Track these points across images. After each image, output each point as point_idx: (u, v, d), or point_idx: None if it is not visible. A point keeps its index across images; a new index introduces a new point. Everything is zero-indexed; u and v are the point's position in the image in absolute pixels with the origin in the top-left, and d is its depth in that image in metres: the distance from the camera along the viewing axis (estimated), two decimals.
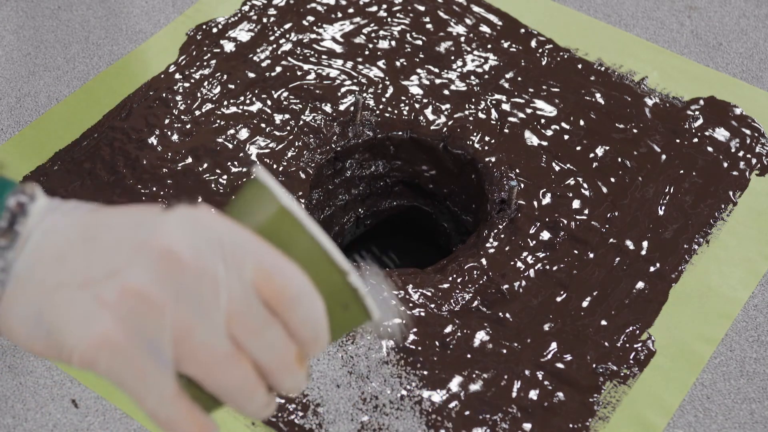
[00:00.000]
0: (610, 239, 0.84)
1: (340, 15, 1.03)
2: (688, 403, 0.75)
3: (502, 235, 0.84)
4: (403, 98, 0.95)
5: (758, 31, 1.05)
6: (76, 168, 0.88)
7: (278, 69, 0.97)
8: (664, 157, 0.91)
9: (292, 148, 0.91)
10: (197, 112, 0.93)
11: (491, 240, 0.84)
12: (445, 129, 0.93)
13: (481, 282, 0.81)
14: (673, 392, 0.75)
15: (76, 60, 0.98)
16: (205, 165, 0.89)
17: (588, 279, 0.82)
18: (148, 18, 1.03)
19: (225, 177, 0.88)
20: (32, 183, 0.43)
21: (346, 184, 0.97)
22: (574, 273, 0.82)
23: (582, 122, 0.94)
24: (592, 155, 0.91)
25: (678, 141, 0.92)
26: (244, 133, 0.91)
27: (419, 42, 1.01)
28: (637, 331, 0.78)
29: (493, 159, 0.90)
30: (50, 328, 0.39)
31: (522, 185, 0.88)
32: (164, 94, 0.94)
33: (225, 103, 0.94)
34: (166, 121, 0.92)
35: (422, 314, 0.78)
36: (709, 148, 0.92)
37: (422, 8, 1.04)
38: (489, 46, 1.00)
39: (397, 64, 0.98)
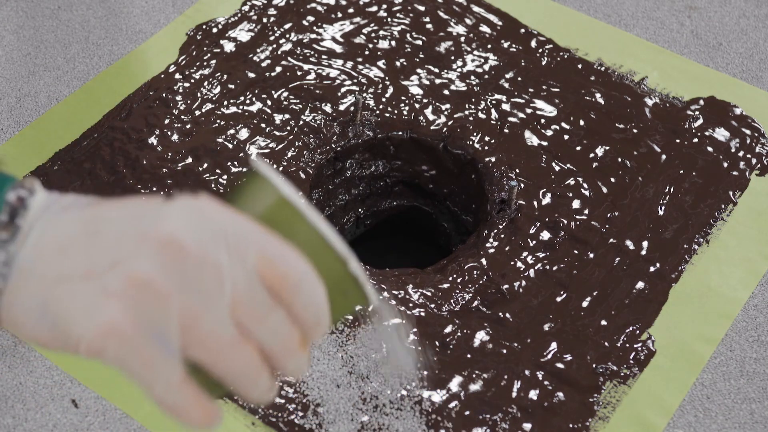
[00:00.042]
0: (610, 239, 0.84)
1: (340, 15, 1.03)
2: (688, 403, 0.75)
3: (502, 235, 0.84)
4: (403, 98, 0.95)
5: (758, 31, 1.05)
6: (76, 168, 0.88)
7: (278, 69, 0.97)
8: (664, 157, 0.91)
9: (292, 148, 0.91)
10: (197, 112, 0.93)
11: (491, 240, 0.84)
12: (445, 129, 0.93)
13: (481, 282, 0.81)
14: (673, 392, 0.75)
15: (76, 60, 0.98)
16: (205, 165, 0.89)
17: (588, 279, 0.82)
18: (148, 18, 1.03)
19: (225, 177, 0.88)
20: (31, 178, 0.44)
21: (346, 184, 0.97)
22: (574, 273, 0.82)
23: (582, 122, 0.94)
24: (592, 155, 0.91)
25: (678, 141, 0.92)
26: (244, 133, 0.91)
27: (419, 42, 1.01)
28: (637, 331, 0.78)
29: (493, 159, 0.90)
30: (55, 319, 0.40)
31: (522, 185, 0.88)
32: (164, 94, 0.95)
33: (225, 103, 0.94)
34: (166, 121, 0.92)
35: (422, 314, 0.78)
36: (709, 148, 0.92)
37: (422, 8, 1.04)
38: (489, 46, 1.00)
39: (397, 64, 0.98)
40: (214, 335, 0.39)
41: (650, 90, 0.97)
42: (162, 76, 0.96)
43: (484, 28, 1.02)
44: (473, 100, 0.95)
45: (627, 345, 0.77)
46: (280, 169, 0.89)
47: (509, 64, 0.99)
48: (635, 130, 0.93)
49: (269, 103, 0.94)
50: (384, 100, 0.95)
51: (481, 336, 0.77)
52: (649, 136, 0.93)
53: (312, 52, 0.99)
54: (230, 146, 0.90)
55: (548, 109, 0.95)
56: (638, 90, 0.97)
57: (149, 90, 0.95)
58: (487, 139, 0.92)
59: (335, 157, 0.93)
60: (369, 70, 0.97)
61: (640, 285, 0.81)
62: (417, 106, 0.94)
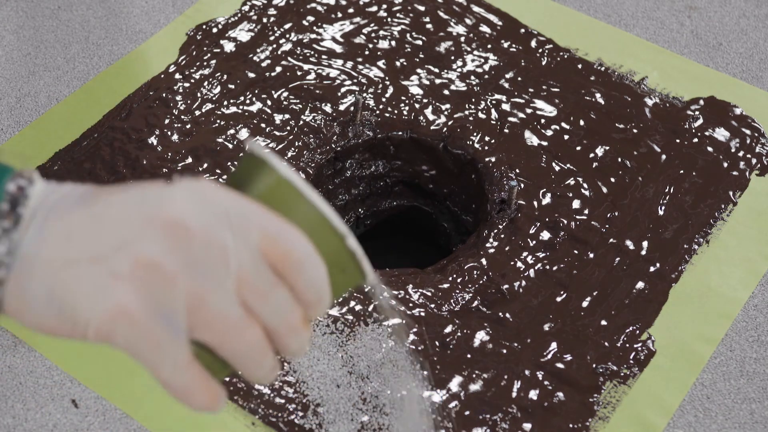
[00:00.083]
0: (610, 239, 0.84)
1: (340, 15, 1.03)
2: (688, 403, 0.75)
3: (502, 235, 0.84)
4: (403, 98, 0.95)
5: (758, 31, 1.05)
6: (76, 168, 0.88)
7: (278, 69, 0.97)
8: (664, 157, 0.91)
9: (292, 148, 0.91)
10: (197, 112, 0.93)
11: (491, 240, 0.84)
12: (445, 129, 0.93)
13: (481, 282, 0.81)
14: (673, 392, 0.75)
15: (76, 60, 0.98)
16: (205, 165, 0.89)
17: (588, 279, 0.82)
18: (148, 18, 1.03)
19: (225, 177, 0.88)
20: (30, 168, 0.44)
21: (346, 184, 0.97)
22: (574, 273, 0.82)
23: (582, 122, 0.94)
24: (592, 155, 0.91)
25: (678, 141, 0.92)
26: (244, 133, 0.91)
27: (419, 42, 1.01)
28: (637, 331, 0.78)
29: (493, 159, 0.90)
30: (62, 304, 0.40)
31: (522, 185, 0.88)
32: (164, 94, 0.95)
33: (225, 103, 0.94)
34: (166, 121, 0.92)
35: (422, 314, 0.78)
36: (709, 148, 0.92)
37: (422, 8, 1.04)
38: (489, 46, 1.00)
39: (397, 64, 0.98)
40: (221, 316, 0.40)
41: (650, 90, 0.97)
42: (162, 76, 0.96)
43: (484, 28, 1.02)
44: (473, 100, 0.95)
45: (627, 345, 0.77)
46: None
47: (509, 64, 0.99)
48: (635, 130, 0.93)
49: (269, 103, 0.94)
50: (384, 100, 0.95)
51: (481, 336, 0.77)
52: (649, 136, 0.93)
53: (312, 52, 0.99)
54: (230, 146, 0.90)
55: (548, 109, 0.95)
56: (638, 90, 0.97)
57: (149, 90, 0.95)
58: (487, 139, 0.92)
59: (335, 157, 0.93)
60: (369, 70, 0.97)
61: (640, 285, 0.81)
62: (417, 106, 0.94)
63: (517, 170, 0.89)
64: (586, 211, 0.86)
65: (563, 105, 0.95)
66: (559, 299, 0.80)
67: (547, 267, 0.82)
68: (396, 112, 0.94)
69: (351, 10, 1.04)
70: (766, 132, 0.94)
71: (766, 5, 1.08)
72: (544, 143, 0.92)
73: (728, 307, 0.81)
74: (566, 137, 0.92)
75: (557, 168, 0.90)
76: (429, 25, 1.02)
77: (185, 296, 0.39)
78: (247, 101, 0.94)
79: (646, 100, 0.96)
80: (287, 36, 1.01)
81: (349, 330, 0.77)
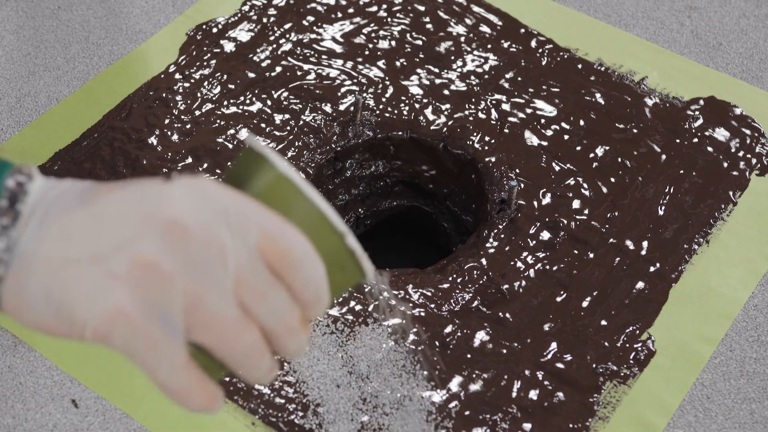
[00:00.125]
0: (610, 239, 0.84)
1: (340, 15, 1.03)
2: (688, 403, 0.75)
3: (502, 235, 0.84)
4: (403, 98, 0.95)
5: (758, 31, 1.05)
6: (76, 168, 0.88)
7: (278, 69, 0.97)
8: (664, 157, 0.91)
9: (292, 148, 0.91)
10: (197, 112, 0.93)
11: (491, 240, 0.84)
12: (445, 129, 0.93)
13: (481, 282, 0.81)
14: (673, 392, 0.75)
15: (76, 60, 0.98)
16: (205, 165, 0.89)
17: (588, 279, 0.82)
18: (148, 18, 1.03)
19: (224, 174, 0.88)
20: (29, 164, 0.44)
21: (346, 184, 0.97)
22: (574, 273, 0.82)
23: (582, 122, 0.94)
24: (592, 155, 0.91)
25: (678, 141, 0.92)
26: (244, 133, 0.91)
27: (419, 42, 1.01)
28: (637, 331, 0.78)
29: (493, 159, 0.90)
30: (60, 304, 0.40)
31: (522, 185, 0.88)
32: (164, 94, 0.95)
33: (225, 103, 0.94)
34: (166, 121, 0.92)
35: (422, 314, 0.78)
36: (709, 148, 0.92)
37: (422, 8, 1.04)
38: (489, 46, 1.00)
39: (397, 64, 0.98)
40: (218, 316, 0.39)
41: (650, 90, 0.97)
42: (162, 76, 0.96)
43: (484, 28, 1.02)
44: (473, 100, 0.95)
45: (627, 345, 0.77)
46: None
47: (509, 64, 0.99)
48: (635, 130, 0.93)
49: (269, 103, 0.94)
50: (384, 100, 0.95)
51: (481, 336, 0.77)
52: (649, 136, 0.93)
53: (312, 52, 0.99)
54: (230, 146, 0.90)
55: (548, 109, 0.95)
56: (638, 90, 0.97)
57: (149, 90, 0.95)
58: (487, 139, 0.92)
59: (335, 157, 0.93)
60: (369, 70, 0.97)
61: (640, 285, 0.81)
62: (417, 106, 0.94)
63: (517, 170, 0.89)
64: (586, 211, 0.86)
65: (563, 105, 0.95)
66: (559, 299, 0.80)
67: (547, 267, 0.82)
68: (396, 112, 0.94)
69: (351, 10, 1.04)
70: (766, 132, 0.94)
71: (766, 5, 1.08)
72: (544, 143, 0.92)
73: (728, 307, 0.81)
74: (566, 137, 0.92)
75: (557, 168, 0.90)
76: (429, 25, 1.02)
77: (183, 296, 0.39)
78: (247, 101, 0.94)
79: (646, 100, 0.96)
80: (287, 36, 1.01)
81: (349, 330, 0.77)
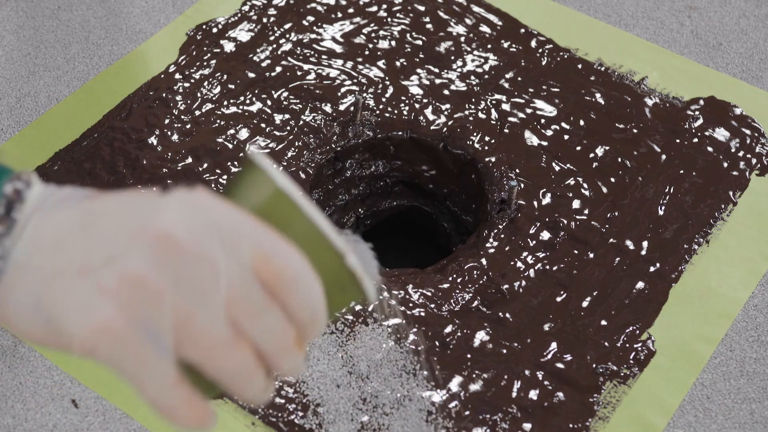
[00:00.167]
0: (610, 239, 0.84)
1: (340, 15, 1.03)
2: (688, 403, 0.75)
3: (502, 235, 0.84)
4: (403, 98, 0.95)
5: (758, 31, 1.05)
6: (76, 168, 0.88)
7: (278, 69, 0.97)
8: (664, 157, 0.91)
9: (292, 148, 0.91)
10: (197, 112, 0.93)
11: (491, 240, 0.84)
12: (445, 129, 0.93)
13: (481, 282, 0.81)
14: (673, 392, 0.75)
15: (76, 60, 0.98)
16: (205, 165, 0.89)
17: (588, 279, 0.82)
18: (148, 18, 1.03)
19: (225, 177, 0.88)
20: (28, 170, 0.43)
21: (346, 184, 0.97)
22: (574, 273, 0.82)
23: (582, 122, 0.94)
24: (592, 155, 0.91)
25: (678, 141, 0.92)
26: (244, 133, 0.91)
27: (419, 42, 1.01)
28: (637, 331, 0.78)
29: (493, 159, 0.90)
30: (49, 315, 0.39)
31: (522, 185, 0.88)
32: (164, 94, 0.95)
33: (225, 103, 0.94)
34: (166, 121, 0.92)
35: (422, 314, 0.78)
36: (709, 148, 0.92)
37: (422, 8, 1.04)
38: (489, 46, 1.00)
39: (397, 64, 0.98)
40: (208, 334, 0.39)
41: (650, 90, 0.97)
42: (162, 76, 0.96)
43: (484, 28, 1.02)
44: (473, 100, 0.95)
45: (627, 345, 0.77)
46: (280, 169, 0.89)
47: (509, 64, 0.99)
48: (635, 130, 0.93)
49: (269, 103, 0.94)
50: (384, 100, 0.95)
51: (481, 336, 0.77)
52: (649, 136, 0.93)
53: (312, 52, 0.99)
54: (230, 146, 0.90)
55: (548, 109, 0.95)
56: (638, 90, 0.97)
57: (149, 90, 0.95)
58: (487, 139, 0.92)
59: (335, 157, 0.93)
60: (369, 70, 0.97)
61: (640, 285, 0.81)
62: (417, 106, 0.94)
63: (517, 170, 0.89)
64: (586, 211, 0.86)
65: (563, 105, 0.95)
66: (559, 299, 0.80)
67: (547, 267, 0.82)
68: (396, 112, 0.94)
69: (351, 10, 1.04)
70: (766, 132, 0.94)
71: (766, 5, 1.08)
72: (544, 143, 0.92)
73: (728, 307, 0.81)
74: (566, 137, 0.92)
75: (557, 168, 0.90)
76: (429, 25, 1.02)
77: (172, 313, 0.38)
78: (247, 101, 0.94)
79: (646, 100, 0.96)
80: (287, 36, 1.01)
81: (349, 330, 0.77)
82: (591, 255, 0.83)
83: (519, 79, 0.97)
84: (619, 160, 0.91)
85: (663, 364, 0.76)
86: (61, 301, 0.39)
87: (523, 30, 1.02)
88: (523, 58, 0.99)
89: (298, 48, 0.99)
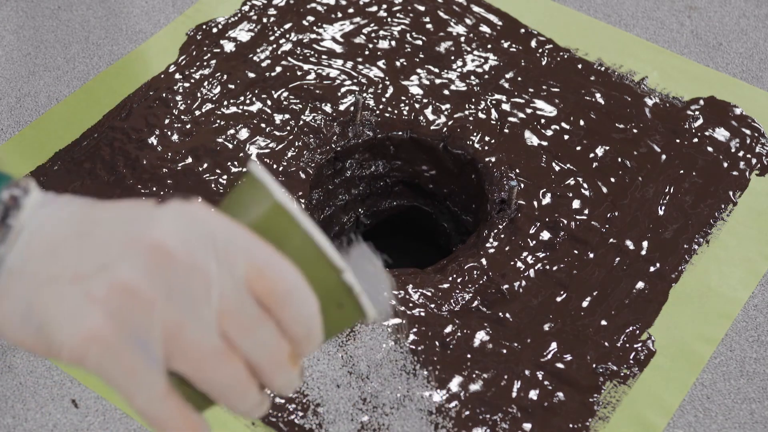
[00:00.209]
0: (610, 239, 0.84)
1: (340, 15, 1.03)
2: (688, 403, 0.75)
3: (502, 235, 0.84)
4: (403, 98, 0.95)
5: (758, 31, 1.05)
6: (76, 168, 0.88)
7: (278, 69, 0.97)
8: (664, 157, 0.91)
9: (292, 148, 0.91)
10: (197, 112, 0.93)
11: (491, 240, 0.84)
12: (445, 129, 0.93)
13: (481, 282, 0.81)
14: (673, 392, 0.75)
15: (76, 60, 0.98)
16: (205, 165, 0.89)
17: (588, 279, 0.82)
18: (148, 18, 1.03)
19: (225, 177, 0.88)
20: (26, 177, 0.43)
21: (346, 184, 0.97)
22: (574, 273, 0.82)
23: (582, 122, 0.94)
24: (592, 155, 0.91)
25: (678, 141, 0.92)
26: (244, 133, 0.91)
27: (419, 42, 1.01)
28: (637, 331, 0.78)
29: (493, 159, 0.90)
30: (40, 322, 0.39)
31: (522, 185, 0.88)
32: (164, 94, 0.95)
33: (225, 103, 0.94)
34: (166, 121, 0.92)
35: (422, 314, 0.78)
36: (709, 148, 0.92)
37: (422, 8, 1.04)
38: (489, 46, 1.00)
39: (397, 64, 0.98)
40: (197, 345, 0.38)
41: (650, 90, 0.97)
42: (162, 76, 0.96)
43: (484, 28, 1.02)
44: (473, 100, 0.95)
45: (627, 345, 0.77)
46: (280, 169, 0.89)
47: (509, 64, 0.99)
48: (635, 130, 0.93)
49: (269, 103, 0.94)
50: (384, 100, 0.95)
51: (481, 336, 0.77)
52: (649, 136, 0.93)
53: (312, 52, 0.99)
54: (230, 146, 0.90)
55: (548, 109, 0.95)
56: (638, 90, 0.97)
57: (149, 90, 0.95)
58: (487, 139, 0.92)
59: (335, 157, 0.93)
60: (369, 70, 0.97)
61: (640, 285, 0.81)
62: (417, 106, 0.94)
63: (517, 170, 0.89)
64: (586, 211, 0.86)
65: (563, 105, 0.95)
66: (559, 299, 0.80)
67: (547, 267, 0.82)
68: (396, 112, 0.94)
69: (351, 10, 1.04)
70: (766, 132, 0.94)
71: (766, 5, 1.08)
72: (544, 143, 0.92)
73: (728, 307, 0.81)
74: (566, 137, 0.92)
75: (557, 168, 0.90)
76: (429, 25, 1.02)
77: (162, 323, 0.38)
78: (247, 101, 0.94)
79: (646, 100, 0.96)
80: (287, 36, 1.01)
81: (349, 330, 0.77)
82: (591, 255, 0.83)
83: (519, 79, 0.97)
84: (619, 160, 0.91)
85: (663, 364, 0.76)
86: (52, 308, 0.39)
87: (523, 30, 1.02)
88: (523, 58, 0.99)
89: (298, 48, 0.99)
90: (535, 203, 0.87)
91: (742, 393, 0.76)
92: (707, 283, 0.82)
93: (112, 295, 0.38)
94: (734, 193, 0.89)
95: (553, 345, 0.77)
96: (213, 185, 0.87)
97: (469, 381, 0.75)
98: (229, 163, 0.89)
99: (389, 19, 1.03)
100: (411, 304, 0.79)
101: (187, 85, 0.95)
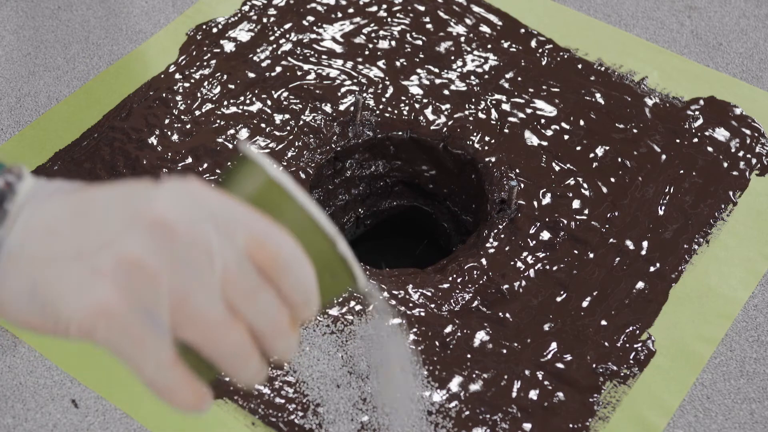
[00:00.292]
0: (610, 239, 0.84)
1: (340, 15, 1.03)
2: (688, 403, 0.75)
3: (502, 235, 0.84)
4: (403, 98, 0.95)
5: (758, 31, 1.05)
6: (76, 168, 0.88)
7: (278, 69, 0.97)
8: (664, 157, 0.91)
9: (292, 148, 0.91)
10: (197, 112, 0.93)
11: (491, 240, 0.84)
12: (445, 129, 0.93)
13: (481, 282, 0.81)
14: (673, 392, 0.75)
15: (76, 60, 0.98)
16: (205, 165, 0.89)
17: (588, 279, 0.82)
18: (148, 18, 1.03)
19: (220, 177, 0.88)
20: (18, 164, 0.44)
21: (346, 184, 0.97)
22: (574, 273, 0.82)
23: (582, 122, 0.94)
24: (592, 155, 0.91)
25: (678, 141, 0.92)
26: (244, 133, 0.91)
27: (419, 42, 1.01)
28: (637, 331, 0.78)
29: (493, 159, 0.90)
30: (45, 301, 0.40)
31: (522, 185, 0.88)
32: (164, 94, 0.95)
33: (225, 103, 0.94)
34: (166, 121, 0.92)
35: (422, 314, 0.78)
36: (709, 148, 0.92)
37: (422, 8, 1.04)
38: (489, 46, 1.00)
39: (397, 64, 0.98)
40: (204, 314, 0.39)
41: (650, 90, 0.97)
42: (162, 76, 0.96)
43: (484, 28, 1.02)
44: (473, 100, 0.95)
45: (627, 345, 0.77)
46: (280, 169, 0.89)
47: (509, 64, 0.99)
48: (635, 130, 0.93)
49: (269, 103, 0.94)
50: (384, 100, 0.95)
51: (481, 336, 0.77)
52: (649, 136, 0.93)
53: (312, 52, 0.99)
54: (230, 146, 0.90)
55: (548, 109, 0.95)
56: (638, 90, 0.97)
57: (149, 90, 0.95)
58: (487, 139, 0.92)
59: (335, 157, 0.93)
60: (369, 70, 0.97)
61: (640, 285, 0.81)
62: (417, 106, 0.94)
63: (517, 170, 0.89)
64: (586, 211, 0.86)
65: (563, 105, 0.95)
66: (559, 299, 0.80)
67: (547, 267, 0.82)
68: (396, 112, 0.94)
69: (351, 10, 1.04)
70: (766, 132, 0.94)
71: (766, 5, 1.08)
72: (544, 143, 0.92)
73: (728, 307, 0.81)
74: (566, 137, 0.92)
75: (557, 168, 0.90)
76: (429, 25, 1.02)
77: (168, 294, 0.39)
78: (247, 101, 0.94)
79: (646, 100, 0.96)
80: (287, 36, 1.01)
81: (349, 330, 0.77)
82: (591, 255, 0.83)
83: (519, 79, 0.97)
84: (619, 160, 0.91)
85: (663, 364, 0.76)
86: (57, 285, 0.39)
87: (523, 30, 1.02)
88: (523, 58, 0.99)
89: (298, 48, 0.99)
90: (535, 203, 0.87)
91: (742, 393, 0.76)
92: (707, 283, 0.82)
93: (119, 269, 0.39)
94: (734, 193, 0.89)
95: (553, 345, 0.77)
96: (213, 185, 0.87)
97: (469, 381, 0.75)
98: (229, 163, 0.89)
99: (389, 19, 1.03)
100: (411, 304, 0.79)
101: (187, 85, 0.95)
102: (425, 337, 0.77)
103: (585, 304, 0.80)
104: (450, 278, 0.81)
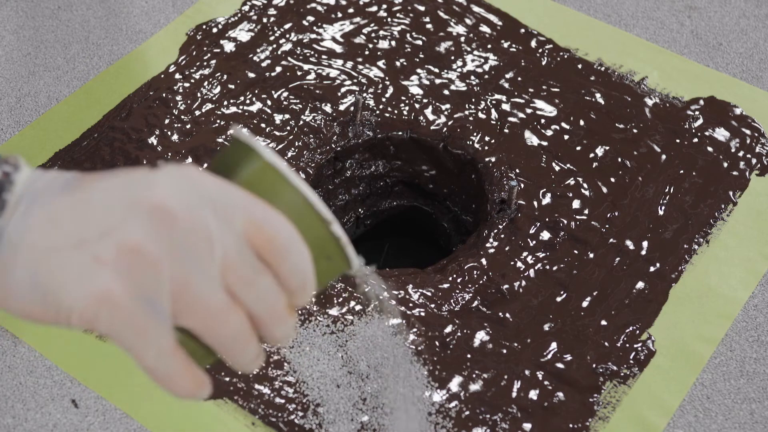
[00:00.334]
0: (610, 239, 0.84)
1: (340, 15, 1.03)
2: (688, 403, 0.75)
3: (502, 235, 0.84)
4: (403, 98, 0.95)
5: (758, 31, 1.05)
6: (76, 168, 0.88)
7: (278, 69, 0.97)
8: (664, 157, 0.91)
9: (292, 148, 0.91)
10: (197, 112, 0.93)
11: (491, 240, 0.84)
12: (445, 129, 0.93)
13: (481, 282, 0.81)
14: (673, 392, 0.75)
15: (76, 60, 0.98)
16: (205, 165, 0.89)
17: (588, 279, 0.82)
18: (148, 18, 1.03)
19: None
20: (15, 154, 0.44)
21: (346, 184, 0.97)
22: (574, 273, 0.82)
23: (582, 122, 0.94)
24: (592, 155, 0.91)
25: (678, 141, 0.92)
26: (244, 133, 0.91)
27: (419, 42, 1.01)
28: (637, 331, 0.78)
29: (493, 159, 0.90)
30: (46, 290, 0.40)
31: (522, 185, 0.88)
32: (164, 94, 0.95)
33: (225, 103, 0.94)
34: (166, 121, 0.92)
35: (422, 314, 0.78)
36: (709, 148, 0.92)
37: (422, 8, 1.04)
38: (489, 46, 1.00)
39: (397, 64, 0.98)
40: (205, 300, 0.40)
41: (650, 90, 0.97)
42: (162, 76, 0.96)
43: (484, 28, 1.02)
44: (473, 100, 0.95)
45: (627, 345, 0.77)
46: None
47: (509, 64, 0.99)
48: (635, 130, 0.93)
49: (269, 103, 0.94)
50: (384, 100, 0.95)
51: (481, 336, 0.77)
52: (649, 136, 0.93)
53: (312, 52, 0.99)
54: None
55: (548, 109, 0.95)
56: (638, 90, 0.97)
57: (149, 90, 0.95)
58: (487, 139, 0.92)
59: (335, 157, 0.93)
60: (369, 70, 0.97)
61: (640, 285, 0.81)
62: (417, 106, 0.94)
63: (517, 170, 0.89)
64: (586, 211, 0.86)
65: (563, 105, 0.95)
66: (559, 299, 0.80)
67: (547, 267, 0.82)
68: (396, 112, 0.94)
69: (351, 10, 1.04)
70: (766, 132, 0.94)
71: (766, 5, 1.08)
72: (544, 143, 0.92)
73: (728, 307, 0.81)
74: (566, 137, 0.92)
75: (557, 168, 0.90)
76: (429, 25, 1.02)
77: (169, 281, 0.39)
78: (247, 101, 0.94)
79: (646, 100, 0.96)
80: (287, 36, 1.01)
81: (349, 330, 0.77)
82: (591, 255, 0.83)
83: (519, 79, 0.97)
84: (619, 160, 0.91)
85: (663, 364, 0.76)
86: (59, 274, 0.39)
87: (523, 30, 1.02)
88: (523, 58, 0.99)
89: (298, 48, 0.99)
90: (535, 203, 0.87)
91: (742, 393, 0.76)
92: (707, 283, 0.82)
93: (120, 257, 0.39)
94: (734, 193, 0.89)
95: (553, 345, 0.77)
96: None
97: (469, 381, 0.75)
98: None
99: (389, 19, 1.03)
100: (411, 304, 0.79)
101: (187, 85, 0.95)
102: (425, 337, 0.77)
103: (585, 304, 0.80)
104: (450, 278, 0.81)
